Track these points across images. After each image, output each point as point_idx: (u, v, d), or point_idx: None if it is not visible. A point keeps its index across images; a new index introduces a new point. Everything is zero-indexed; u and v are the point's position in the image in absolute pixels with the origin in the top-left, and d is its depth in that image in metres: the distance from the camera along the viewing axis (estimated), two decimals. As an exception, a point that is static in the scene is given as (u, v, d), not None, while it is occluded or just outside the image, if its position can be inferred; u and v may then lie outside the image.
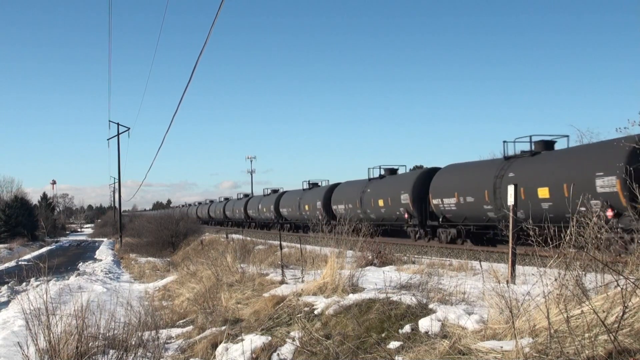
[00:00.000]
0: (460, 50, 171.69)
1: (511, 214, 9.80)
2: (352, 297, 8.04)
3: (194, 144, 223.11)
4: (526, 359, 4.49)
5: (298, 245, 16.11)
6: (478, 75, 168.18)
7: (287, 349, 7.29)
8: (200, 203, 77.92)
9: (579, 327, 4.59)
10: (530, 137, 19.03)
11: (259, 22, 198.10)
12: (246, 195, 57.44)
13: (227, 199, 64.25)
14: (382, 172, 28.23)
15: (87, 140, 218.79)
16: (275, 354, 7.30)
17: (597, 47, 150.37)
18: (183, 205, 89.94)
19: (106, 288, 17.69)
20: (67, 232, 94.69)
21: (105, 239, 63.73)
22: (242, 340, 7.92)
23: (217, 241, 28.17)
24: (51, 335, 6.24)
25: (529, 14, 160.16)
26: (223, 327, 8.96)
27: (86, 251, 45.39)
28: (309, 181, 38.44)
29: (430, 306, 6.90)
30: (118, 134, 46.36)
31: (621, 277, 4.54)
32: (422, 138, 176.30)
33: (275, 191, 46.82)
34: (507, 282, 7.93)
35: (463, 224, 20.91)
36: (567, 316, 4.60)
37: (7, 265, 31.96)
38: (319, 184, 37.45)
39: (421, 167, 33.94)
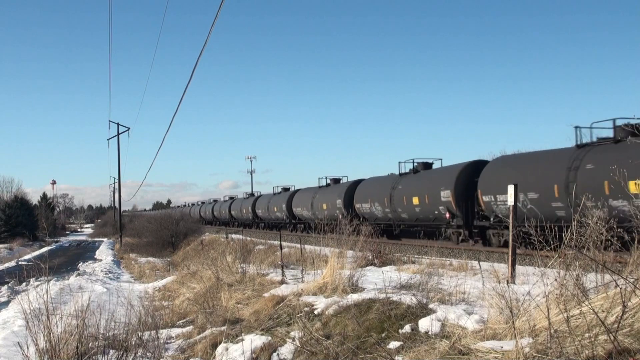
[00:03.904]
0: (460, 50, 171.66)
1: (511, 214, 9.80)
2: (352, 297, 8.03)
3: (194, 144, 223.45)
4: (526, 359, 4.49)
5: (298, 245, 16.12)
6: (478, 75, 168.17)
7: (287, 349, 7.29)
8: (203, 202, 75.95)
9: (579, 327, 4.60)
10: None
11: (258, 22, 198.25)
12: (252, 195, 53.95)
13: (232, 198, 61.40)
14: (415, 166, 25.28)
15: (87, 140, 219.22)
16: (275, 354, 7.30)
17: (597, 47, 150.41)
18: (185, 205, 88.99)
19: (106, 288, 17.68)
20: (67, 232, 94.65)
21: (105, 239, 63.66)
22: (242, 340, 7.92)
23: (217, 241, 28.14)
24: (51, 335, 6.22)
25: (528, 14, 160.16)
26: (223, 327, 8.94)
27: (86, 251, 45.37)
28: (326, 177, 34.69)
29: (430, 306, 6.90)
30: (118, 134, 46.42)
31: (620, 277, 4.54)
32: (422, 138, 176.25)
33: (286, 189, 43.78)
34: (507, 282, 7.94)
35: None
36: (567, 316, 4.60)
37: (7, 265, 31.95)
38: (341, 180, 33.72)
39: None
